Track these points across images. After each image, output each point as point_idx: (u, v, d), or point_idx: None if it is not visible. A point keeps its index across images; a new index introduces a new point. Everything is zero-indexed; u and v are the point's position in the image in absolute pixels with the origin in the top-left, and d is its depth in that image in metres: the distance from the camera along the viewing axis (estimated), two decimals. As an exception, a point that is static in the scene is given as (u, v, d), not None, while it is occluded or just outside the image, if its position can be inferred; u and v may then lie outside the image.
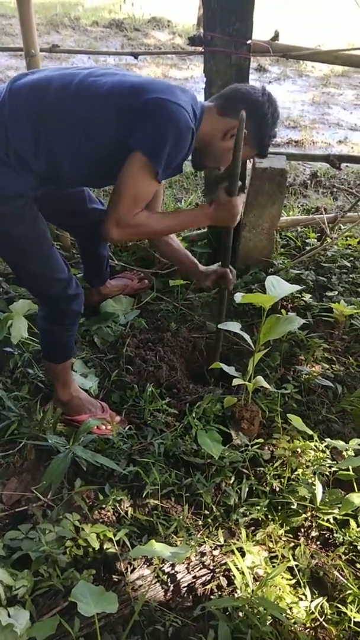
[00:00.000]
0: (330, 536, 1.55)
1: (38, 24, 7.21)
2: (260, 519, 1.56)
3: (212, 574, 1.43)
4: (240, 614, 1.31)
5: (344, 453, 1.74)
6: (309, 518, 1.57)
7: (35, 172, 1.45)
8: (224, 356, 2.14)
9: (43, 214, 1.87)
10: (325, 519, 1.55)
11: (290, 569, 1.45)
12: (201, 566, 1.44)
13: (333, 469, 1.67)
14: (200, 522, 1.55)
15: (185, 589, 1.39)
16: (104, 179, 1.64)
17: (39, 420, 1.72)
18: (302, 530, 1.56)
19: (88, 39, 7.02)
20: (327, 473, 1.67)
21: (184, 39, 7.12)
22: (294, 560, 1.46)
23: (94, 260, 2.19)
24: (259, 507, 1.57)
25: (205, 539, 1.49)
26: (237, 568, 1.38)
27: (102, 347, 2.13)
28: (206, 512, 1.57)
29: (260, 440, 1.74)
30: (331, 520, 1.55)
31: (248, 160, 2.35)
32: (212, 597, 1.38)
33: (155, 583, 1.38)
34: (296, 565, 1.44)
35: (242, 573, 1.36)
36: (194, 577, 1.41)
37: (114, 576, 1.40)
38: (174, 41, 7.36)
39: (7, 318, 1.82)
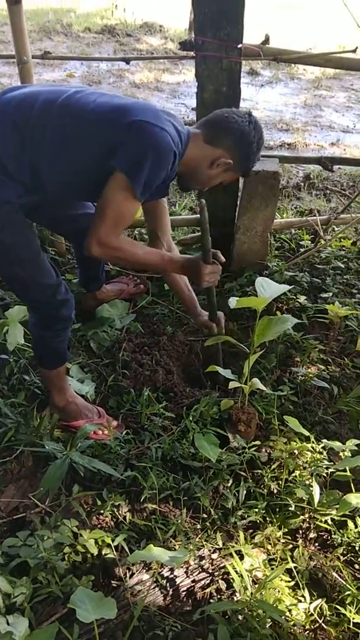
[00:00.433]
0: (329, 537, 1.55)
1: (30, 31, 7.23)
2: (258, 521, 1.56)
3: (211, 577, 1.43)
4: (240, 617, 1.31)
5: (341, 454, 1.74)
6: (307, 520, 1.57)
7: (20, 182, 1.48)
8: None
9: (37, 220, 1.88)
10: (323, 520, 1.55)
11: (288, 571, 1.45)
12: (200, 570, 1.43)
13: (330, 470, 1.68)
14: (198, 526, 1.55)
15: (184, 593, 1.39)
16: (87, 194, 1.67)
17: (36, 427, 1.72)
18: (300, 532, 1.56)
19: (80, 45, 7.04)
20: (324, 474, 1.67)
21: (176, 43, 7.15)
22: (293, 562, 1.46)
23: (89, 265, 2.20)
24: (257, 510, 1.57)
25: (204, 542, 1.49)
26: (236, 571, 1.38)
27: (98, 352, 2.13)
28: (204, 515, 1.57)
29: (258, 442, 1.74)
30: (329, 522, 1.55)
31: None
32: (211, 600, 1.38)
33: (154, 588, 1.38)
34: (295, 567, 1.44)
35: (241, 576, 1.36)
36: (193, 581, 1.41)
37: (112, 582, 1.40)
38: (166, 46, 7.40)
39: (2, 324, 1.82)
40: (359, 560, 1.50)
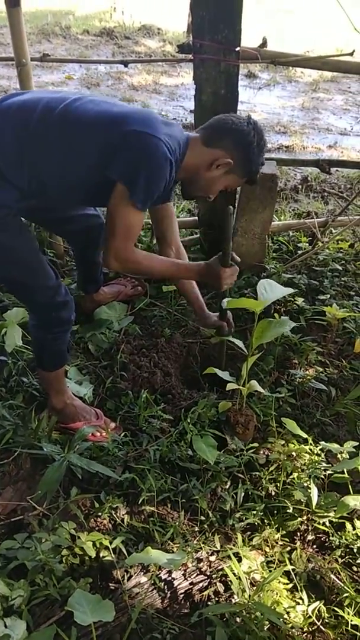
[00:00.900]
0: (327, 539, 1.56)
1: (29, 33, 7.25)
2: (256, 523, 1.56)
3: (209, 580, 1.43)
4: (238, 619, 1.31)
5: (339, 456, 1.74)
6: (305, 522, 1.57)
7: (18, 188, 1.49)
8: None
9: (35, 221, 1.89)
10: (321, 522, 1.55)
11: (286, 573, 1.45)
12: (198, 572, 1.43)
13: (328, 472, 1.68)
14: (196, 528, 1.55)
15: (182, 595, 1.39)
16: (86, 201, 1.70)
17: (34, 429, 1.72)
18: (298, 534, 1.56)
19: (79, 48, 7.06)
20: (322, 476, 1.68)
21: (174, 46, 7.17)
22: (291, 564, 1.46)
23: (88, 267, 2.20)
24: (254, 512, 1.57)
25: (202, 544, 1.49)
26: (234, 574, 1.37)
27: (96, 354, 2.13)
28: (202, 517, 1.57)
29: (255, 444, 1.74)
30: (327, 524, 1.55)
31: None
32: (209, 603, 1.38)
33: (152, 590, 1.38)
34: (293, 570, 1.45)
35: (239, 578, 1.36)
36: (191, 583, 1.41)
37: (110, 584, 1.40)
38: (164, 49, 7.41)
39: (1, 327, 1.82)
40: (357, 563, 1.50)
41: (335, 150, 4.75)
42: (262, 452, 1.77)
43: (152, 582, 1.39)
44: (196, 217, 2.74)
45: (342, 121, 5.53)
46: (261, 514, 1.58)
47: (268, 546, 1.51)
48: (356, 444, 1.64)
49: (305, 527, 1.57)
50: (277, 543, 1.52)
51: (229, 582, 1.38)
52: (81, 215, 1.91)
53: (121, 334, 2.22)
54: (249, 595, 1.32)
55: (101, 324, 2.24)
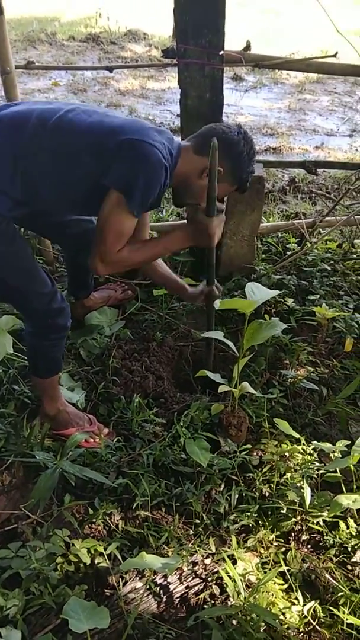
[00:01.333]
0: (321, 539, 1.56)
1: (15, 40, 7.24)
2: (250, 525, 1.57)
3: (204, 583, 1.43)
4: (234, 622, 1.31)
5: (331, 455, 1.75)
6: (299, 522, 1.58)
7: (11, 197, 1.50)
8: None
9: (27, 227, 1.89)
10: (315, 522, 1.56)
11: (282, 574, 1.45)
12: (193, 576, 1.43)
13: (321, 471, 1.68)
14: (191, 532, 1.55)
15: (178, 599, 1.39)
16: (79, 211, 1.71)
17: (27, 437, 1.71)
18: (293, 534, 1.57)
19: (65, 54, 7.05)
20: (315, 476, 1.68)
21: (160, 50, 7.19)
22: (286, 565, 1.46)
23: (79, 272, 2.20)
24: (249, 514, 1.58)
25: (197, 548, 1.49)
26: (229, 576, 1.38)
27: (88, 359, 2.13)
28: (197, 521, 1.57)
29: (249, 446, 1.75)
30: (321, 523, 1.56)
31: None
32: (205, 606, 1.38)
33: (147, 595, 1.38)
34: (288, 570, 1.45)
35: (234, 581, 1.36)
36: (187, 587, 1.41)
37: (106, 590, 1.40)
38: (150, 53, 7.43)
39: (-10, 335, 1.81)
40: (351, 561, 1.50)
41: (322, 150, 4.78)
42: (255, 453, 1.78)
43: (148, 587, 1.39)
44: (185, 221, 2.75)
45: (328, 122, 5.56)
46: (255, 515, 1.58)
47: (263, 547, 1.52)
48: (348, 442, 1.65)
49: (300, 527, 1.57)
50: (271, 544, 1.53)
51: (225, 585, 1.38)
52: (75, 220, 1.92)
53: (112, 339, 2.22)
54: (245, 597, 1.32)
55: (92, 330, 2.24)
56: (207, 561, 1.47)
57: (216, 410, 1.83)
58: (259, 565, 1.46)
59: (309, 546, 1.56)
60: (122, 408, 1.91)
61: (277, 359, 2.20)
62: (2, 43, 2.00)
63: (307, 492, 1.56)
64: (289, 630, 1.31)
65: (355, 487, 1.60)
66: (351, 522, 1.56)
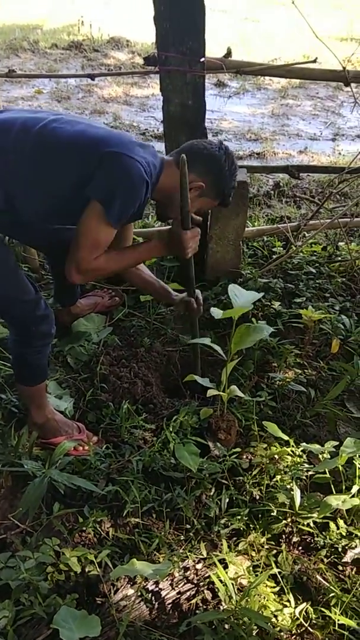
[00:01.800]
0: (311, 540, 1.57)
1: (-3, 48, 7.23)
2: (241, 528, 1.57)
3: (196, 588, 1.42)
4: (226, 626, 1.31)
5: (320, 456, 1.76)
6: (290, 524, 1.58)
7: None
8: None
9: (11, 235, 1.88)
10: (305, 523, 1.56)
11: (273, 577, 1.45)
12: (185, 581, 1.43)
13: (310, 472, 1.69)
14: (182, 537, 1.55)
15: (170, 605, 1.38)
16: (61, 221, 1.70)
17: (14, 446, 1.70)
18: (284, 536, 1.57)
19: (48, 62, 7.06)
20: (305, 477, 1.69)
21: (142, 58, 7.21)
22: (277, 567, 1.46)
23: (65, 280, 2.19)
24: (239, 517, 1.58)
25: (188, 553, 1.48)
26: (220, 580, 1.37)
27: (75, 367, 2.12)
28: (187, 526, 1.57)
29: (238, 449, 1.75)
30: (311, 525, 1.56)
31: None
32: (197, 611, 1.37)
33: (139, 602, 1.37)
34: (279, 572, 1.45)
35: (225, 585, 1.36)
36: (179, 592, 1.41)
37: (97, 599, 1.39)
38: (133, 60, 7.46)
39: (-24, 344, 1.80)
40: (342, 562, 1.51)
41: (306, 155, 4.83)
42: (245, 456, 1.78)
43: (139, 594, 1.38)
44: (170, 227, 2.76)
45: (311, 126, 5.63)
46: (246, 518, 1.58)
47: (254, 550, 1.52)
48: (336, 443, 1.66)
49: (290, 529, 1.58)
50: (262, 547, 1.53)
51: (216, 589, 1.38)
52: (59, 228, 1.91)
53: (100, 345, 2.22)
54: (236, 601, 1.32)
55: (79, 337, 2.23)
56: (199, 566, 1.46)
57: (205, 414, 1.83)
58: (250, 568, 1.46)
59: (300, 548, 1.56)
60: (111, 415, 1.91)
61: (265, 362, 2.21)
62: (-16, 52, 2.00)
63: (297, 493, 1.57)
64: (281, 633, 1.32)
65: (344, 487, 1.61)
66: (341, 522, 1.56)
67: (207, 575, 1.44)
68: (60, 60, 7.19)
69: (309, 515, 1.56)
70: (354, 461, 1.61)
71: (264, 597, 1.37)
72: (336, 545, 1.53)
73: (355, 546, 1.52)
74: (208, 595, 1.41)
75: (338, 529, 1.55)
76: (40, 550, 1.40)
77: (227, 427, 1.81)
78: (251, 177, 4.06)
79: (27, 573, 1.31)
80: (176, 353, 2.24)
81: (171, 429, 1.77)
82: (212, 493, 1.65)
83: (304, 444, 1.74)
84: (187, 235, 1.63)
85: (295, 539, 1.56)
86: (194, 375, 1.84)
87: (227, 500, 1.63)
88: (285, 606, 1.38)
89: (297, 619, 1.35)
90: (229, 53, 2.34)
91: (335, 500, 1.48)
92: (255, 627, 1.29)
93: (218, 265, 2.61)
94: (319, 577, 1.46)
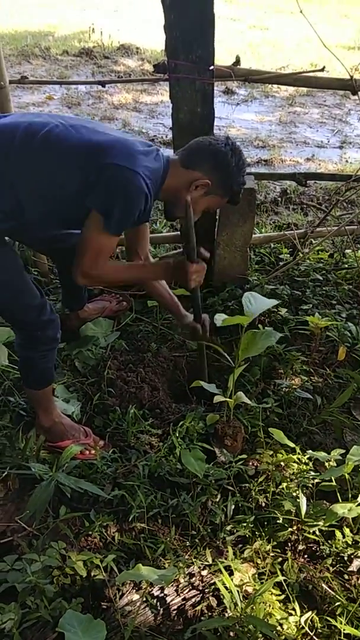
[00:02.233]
0: (317, 549, 1.56)
1: (9, 55, 7.30)
2: (247, 535, 1.57)
3: (201, 594, 1.42)
4: (231, 633, 1.31)
5: (327, 464, 1.76)
6: (295, 532, 1.58)
7: (0, 210, 1.50)
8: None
9: (19, 239, 1.90)
10: (311, 531, 1.56)
11: (278, 585, 1.45)
12: (190, 587, 1.43)
13: (316, 480, 1.69)
14: (187, 543, 1.55)
15: (175, 611, 1.38)
16: (66, 225, 1.73)
17: (22, 449, 1.71)
18: (289, 544, 1.57)
19: (59, 68, 7.12)
20: (311, 485, 1.69)
21: (152, 65, 7.26)
22: (282, 575, 1.46)
23: (73, 284, 2.21)
24: (245, 524, 1.58)
25: (193, 559, 1.48)
26: (226, 587, 1.37)
27: (83, 371, 2.13)
28: (193, 532, 1.57)
29: (244, 456, 1.75)
30: (317, 533, 1.56)
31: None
32: (202, 618, 1.37)
33: (144, 608, 1.37)
34: (284, 580, 1.45)
35: (231, 592, 1.36)
36: (184, 599, 1.40)
37: (102, 603, 1.39)
38: (143, 67, 7.51)
39: (-15, 347, 1.81)
40: (348, 571, 1.50)
41: (313, 162, 4.84)
42: (251, 463, 1.78)
43: (145, 599, 1.38)
44: (178, 232, 2.78)
45: (318, 134, 5.64)
46: (251, 525, 1.58)
47: (259, 558, 1.51)
48: (343, 451, 1.66)
49: (296, 537, 1.58)
50: (268, 554, 1.52)
51: (222, 596, 1.38)
52: (66, 233, 1.93)
53: (108, 350, 2.23)
54: (242, 609, 1.32)
55: (87, 341, 2.24)
56: (204, 572, 1.46)
57: (211, 420, 1.83)
58: (256, 575, 1.46)
59: (306, 556, 1.56)
60: (118, 419, 1.91)
61: (272, 369, 2.21)
62: (-3, 59, 2.02)
63: (303, 501, 1.57)
64: (287, 641, 1.31)
65: (350, 495, 1.60)
66: (347, 531, 1.56)
67: (212, 581, 1.44)
68: (71, 67, 7.25)
69: (315, 523, 1.56)
70: (360, 469, 1.61)
71: (269, 605, 1.37)
72: (342, 554, 1.53)
73: (362, 555, 1.51)
74: (213, 602, 1.40)
75: (344, 537, 1.55)
76: (47, 554, 1.40)
77: (233, 433, 1.81)
78: (259, 184, 4.08)
79: (33, 576, 1.32)
80: (183, 358, 2.25)
81: (177, 435, 1.78)
82: (217, 499, 1.65)
83: (310, 451, 1.73)
84: (192, 267, 1.66)
85: (300, 547, 1.56)
86: (201, 381, 1.85)
87: (232, 506, 1.63)
88: (291, 614, 1.37)
89: (303, 627, 1.34)
90: (237, 61, 2.37)
91: (342, 509, 1.47)
92: (261, 635, 1.29)
93: (225, 271, 2.61)
94: (324, 586, 1.46)
